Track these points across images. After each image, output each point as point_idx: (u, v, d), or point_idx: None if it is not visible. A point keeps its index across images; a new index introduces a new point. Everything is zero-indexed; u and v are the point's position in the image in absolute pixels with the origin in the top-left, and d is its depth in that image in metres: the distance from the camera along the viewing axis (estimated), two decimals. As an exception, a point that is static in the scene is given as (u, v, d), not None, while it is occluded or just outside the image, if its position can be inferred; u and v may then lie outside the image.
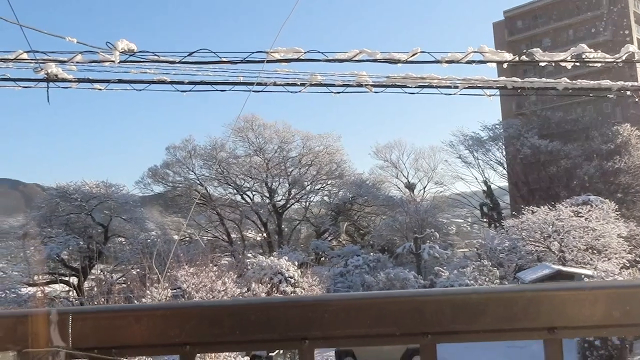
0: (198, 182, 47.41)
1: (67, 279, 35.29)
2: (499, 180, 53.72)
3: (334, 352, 22.95)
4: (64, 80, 5.94)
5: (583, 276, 23.62)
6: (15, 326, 1.10)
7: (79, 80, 6.04)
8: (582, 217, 28.27)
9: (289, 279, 25.02)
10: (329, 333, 1.10)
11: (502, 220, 39.18)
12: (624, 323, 1.04)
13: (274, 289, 23.64)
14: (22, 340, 1.09)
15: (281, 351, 21.82)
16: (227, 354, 17.73)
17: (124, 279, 30.54)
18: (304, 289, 24.71)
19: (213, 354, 16.98)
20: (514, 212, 40.94)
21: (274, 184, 49.05)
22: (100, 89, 6.03)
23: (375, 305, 1.10)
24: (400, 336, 1.09)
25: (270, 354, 21.09)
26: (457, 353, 23.33)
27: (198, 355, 1.19)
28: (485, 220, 50.07)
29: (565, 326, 1.06)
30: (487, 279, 27.98)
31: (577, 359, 20.35)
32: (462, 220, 60.80)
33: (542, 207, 30.07)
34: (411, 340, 1.09)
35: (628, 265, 27.49)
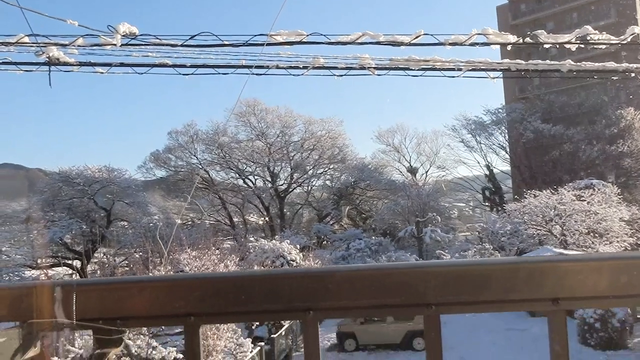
0: (200, 166, 47.42)
1: (70, 262, 35.51)
2: (502, 165, 53.72)
3: (335, 334, 23.18)
4: (65, 63, 5.92)
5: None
6: (20, 298, 1.11)
7: (81, 64, 6.03)
8: (584, 200, 28.26)
9: (291, 262, 25.16)
10: (334, 304, 1.10)
11: (504, 204, 39.21)
12: (629, 293, 1.04)
13: (276, 272, 23.82)
14: (27, 312, 1.10)
15: (283, 332, 22.01)
16: (229, 335, 17.89)
17: (126, 262, 30.68)
18: (306, 273, 24.89)
19: (216, 336, 17.15)
20: (516, 196, 40.97)
21: (276, 168, 49.08)
22: (102, 73, 6.01)
23: (380, 276, 1.11)
24: (404, 307, 1.09)
25: (272, 335, 21.28)
26: (460, 336, 23.46)
27: (202, 332, 1.19)
28: (487, 204, 50.13)
29: (570, 297, 1.06)
30: (488, 263, 28.07)
31: (577, 341, 20.47)
32: (464, 204, 60.84)
33: (544, 190, 30.06)
34: (415, 312, 1.09)
35: (630, 248, 27.53)
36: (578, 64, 6.21)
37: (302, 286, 1.11)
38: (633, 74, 6.36)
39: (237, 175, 49.48)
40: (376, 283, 1.09)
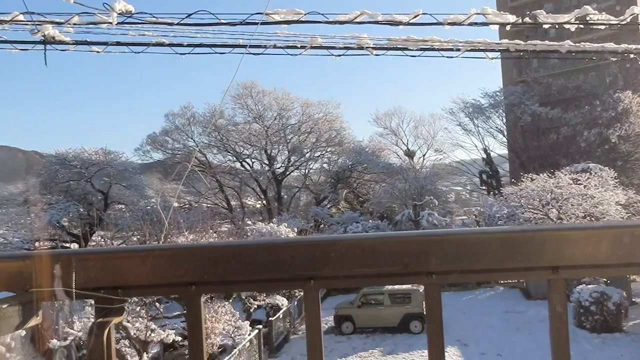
0: (197, 149, 47.30)
1: (67, 245, 35.53)
2: (499, 148, 53.74)
3: (332, 317, 23.33)
4: (61, 42, 5.86)
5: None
6: (20, 267, 1.11)
7: (77, 43, 5.96)
8: (581, 184, 28.29)
9: (289, 245, 25.22)
10: (335, 273, 1.10)
11: (501, 188, 39.29)
12: (629, 262, 1.04)
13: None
14: (28, 281, 1.09)
15: (280, 315, 22.14)
16: (227, 318, 17.99)
17: (124, 245, 30.71)
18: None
19: (214, 319, 17.24)
20: (513, 180, 40.99)
21: (273, 151, 48.97)
22: (98, 52, 5.95)
23: (381, 245, 1.10)
24: (404, 276, 1.09)
25: (270, 318, 21.40)
26: (457, 318, 23.58)
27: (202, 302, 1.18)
28: (484, 187, 50.19)
29: (569, 265, 1.06)
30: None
31: (573, 324, 20.64)
32: (461, 188, 60.98)
33: (541, 174, 30.09)
34: (416, 280, 1.09)
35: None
36: (577, 44, 6.17)
37: (303, 255, 1.11)
38: (633, 55, 6.32)
39: (235, 158, 49.39)
40: (377, 252, 1.09)
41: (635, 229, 1.06)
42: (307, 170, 51.53)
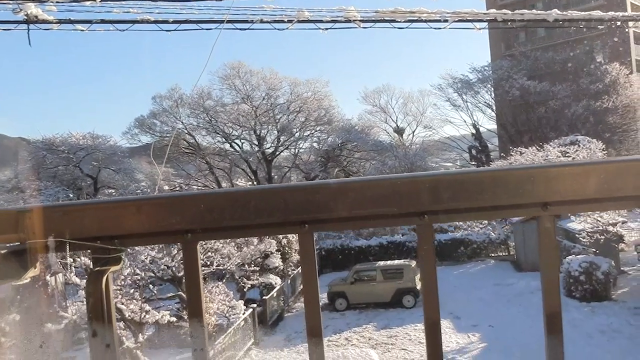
0: (186, 131, 47.04)
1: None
2: (488, 123, 53.89)
3: (326, 294, 23.50)
4: (44, 21, 5.78)
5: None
6: (15, 220, 1.11)
7: (60, 22, 5.88)
8: (570, 157, 28.50)
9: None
10: (328, 216, 1.11)
11: (490, 162, 39.47)
12: (616, 196, 1.06)
13: (266, 234, 24.04)
14: (23, 234, 1.10)
15: (274, 294, 22.28)
16: (222, 298, 18.10)
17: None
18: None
19: (208, 299, 17.33)
20: (502, 154, 41.20)
21: (262, 131, 48.77)
22: (82, 30, 5.87)
23: (373, 187, 1.11)
24: (397, 217, 1.10)
25: (264, 297, 21.53)
26: (449, 292, 23.73)
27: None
28: (473, 163, 50.41)
29: (558, 201, 1.08)
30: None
31: (563, 294, 20.93)
32: (451, 164, 61.19)
33: (530, 148, 30.26)
34: (408, 221, 1.11)
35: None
36: (564, 13, 6.16)
37: (297, 200, 1.12)
38: (619, 23, 6.33)
39: (224, 139, 49.18)
40: (369, 194, 1.10)
41: (621, 164, 1.08)
42: (297, 149, 51.42)
